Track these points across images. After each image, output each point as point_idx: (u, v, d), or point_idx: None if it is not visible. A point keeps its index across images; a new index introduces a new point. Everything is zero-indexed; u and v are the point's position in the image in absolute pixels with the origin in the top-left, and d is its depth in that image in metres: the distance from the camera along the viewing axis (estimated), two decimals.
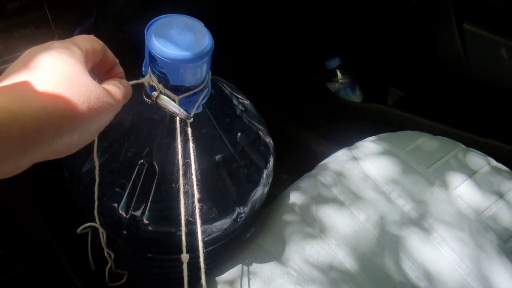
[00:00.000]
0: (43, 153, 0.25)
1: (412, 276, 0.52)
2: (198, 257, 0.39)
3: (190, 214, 0.43)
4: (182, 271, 0.40)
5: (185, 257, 0.35)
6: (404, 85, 0.97)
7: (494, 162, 0.64)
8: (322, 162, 0.65)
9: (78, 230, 0.46)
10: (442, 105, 0.88)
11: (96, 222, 0.45)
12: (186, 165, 0.41)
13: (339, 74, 1.02)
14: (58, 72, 0.26)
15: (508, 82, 0.72)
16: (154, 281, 0.60)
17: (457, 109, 0.86)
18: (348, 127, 1.03)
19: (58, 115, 0.25)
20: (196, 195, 0.37)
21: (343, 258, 0.51)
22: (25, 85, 0.25)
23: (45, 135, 0.24)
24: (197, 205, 0.36)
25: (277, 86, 1.15)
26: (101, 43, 0.33)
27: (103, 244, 0.46)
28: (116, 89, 0.31)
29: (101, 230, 0.45)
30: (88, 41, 0.31)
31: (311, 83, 1.08)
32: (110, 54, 0.34)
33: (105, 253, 0.47)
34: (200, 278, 0.42)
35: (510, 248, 0.57)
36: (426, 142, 0.67)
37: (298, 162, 1.02)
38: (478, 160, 0.64)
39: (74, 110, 0.26)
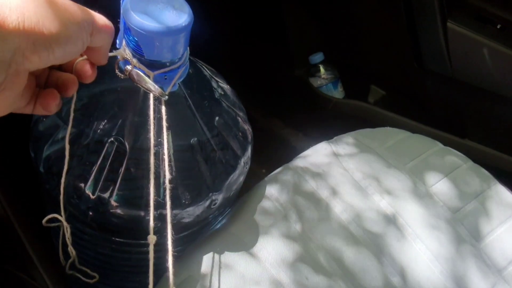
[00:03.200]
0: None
1: (385, 271, 0.51)
2: (167, 244, 0.38)
3: (161, 197, 0.41)
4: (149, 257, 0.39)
5: (151, 238, 0.33)
6: (385, 84, 0.97)
7: (470, 162, 0.65)
8: (301, 154, 0.64)
9: (43, 221, 0.43)
10: (422, 105, 0.88)
11: (61, 215, 0.42)
12: (159, 144, 0.39)
13: (322, 69, 1.02)
14: None
15: (489, 84, 0.73)
16: (121, 272, 0.58)
17: (437, 109, 0.87)
18: (329, 123, 1.02)
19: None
20: (168, 176, 0.35)
21: (317, 250, 0.50)
22: None
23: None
24: (167, 185, 0.34)
25: (260, 79, 1.14)
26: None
27: (67, 240, 0.44)
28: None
29: (65, 224, 0.43)
30: None
31: (293, 77, 1.07)
32: None
33: (69, 249, 0.44)
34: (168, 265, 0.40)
35: (484, 247, 0.57)
36: (405, 139, 0.66)
37: (277, 156, 1.01)
38: (455, 159, 0.64)
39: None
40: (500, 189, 0.62)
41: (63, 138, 0.41)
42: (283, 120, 1.10)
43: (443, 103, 0.85)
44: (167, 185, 0.34)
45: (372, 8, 0.85)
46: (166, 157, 0.36)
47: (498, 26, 0.70)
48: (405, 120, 0.89)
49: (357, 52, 0.96)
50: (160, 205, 0.41)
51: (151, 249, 0.32)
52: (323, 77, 1.01)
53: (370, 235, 0.53)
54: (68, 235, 0.42)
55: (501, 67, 0.70)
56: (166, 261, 0.36)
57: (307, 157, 0.62)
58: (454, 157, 0.65)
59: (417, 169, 0.61)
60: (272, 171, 0.61)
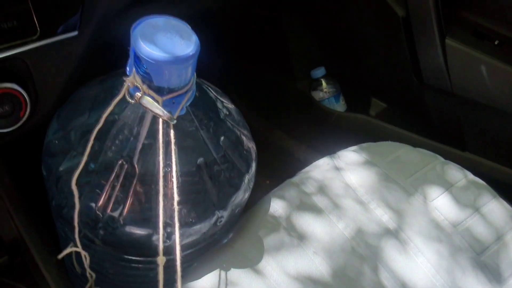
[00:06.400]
0: None
1: (387, 285, 0.52)
2: (175, 260, 0.39)
3: (169, 217, 0.43)
4: (158, 274, 0.40)
5: (161, 260, 0.34)
6: (387, 97, 0.99)
7: (471, 176, 0.66)
8: (304, 170, 0.65)
9: (59, 256, 0.45)
10: (423, 118, 0.90)
11: (78, 246, 0.44)
12: (167, 167, 0.41)
13: (324, 83, 1.03)
14: None
15: (487, 99, 0.74)
16: (130, 284, 0.60)
17: (437, 123, 0.88)
18: (331, 136, 1.04)
19: None
20: (176, 198, 0.37)
21: (320, 265, 0.52)
22: None
23: None
24: (176, 208, 0.36)
25: (263, 93, 1.15)
26: None
27: (86, 265, 0.46)
28: None
29: (83, 253, 0.45)
30: None
31: (296, 91, 1.09)
32: None
33: (87, 274, 0.46)
34: (175, 281, 0.41)
35: (484, 260, 0.58)
36: (406, 153, 0.68)
37: (281, 168, 1.02)
38: (455, 173, 0.65)
39: None
40: (499, 202, 0.63)
41: (74, 160, 0.43)
42: (287, 133, 1.12)
43: (443, 117, 0.86)
44: (176, 208, 0.36)
45: (372, 25, 0.87)
46: (174, 179, 0.38)
47: (496, 42, 0.72)
48: (406, 133, 0.90)
49: (357, 66, 0.98)
50: (168, 224, 0.42)
51: (160, 270, 0.34)
52: (325, 91, 1.03)
53: (372, 249, 0.54)
54: (87, 262, 0.43)
55: (499, 82, 0.71)
56: (174, 277, 0.37)
57: (309, 173, 0.64)
58: (455, 171, 0.66)
59: (418, 183, 0.62)
60: (276, 183, 0.63)
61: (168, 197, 0.43)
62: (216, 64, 1.06)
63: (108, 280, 0.55)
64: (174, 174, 0.37)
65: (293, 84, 1.09)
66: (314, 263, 0.52)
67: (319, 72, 1.03)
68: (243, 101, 1.12)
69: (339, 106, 1.04)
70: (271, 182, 1.07)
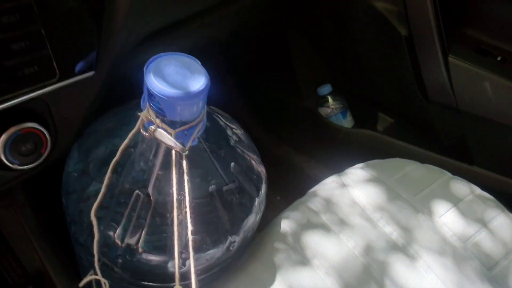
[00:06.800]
0: None
1: None
2: (190, 285, 0.41)
3: (184, 245, 0.44)
4: None
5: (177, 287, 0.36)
6: (393, 113, 1.00)
7: (478, 190, 0.67)
8: (312, 189, 0.66)
9: (80, 284, 0.47)
10: (430, 133, 0.91)
11: (98, 274, 0.46)
12: (181, 196, 0.42)
13: (330, 100, 1.05)
14: None
15: (493, 114, 0.75)
16: None
17: (444, 137, 0.89)
18: (339, 152, 1.05)
19: None
20: (190, 228, 0.38)
21: (332, 285, 0.53)
22: None
23: None
24: (190, 237, 0.38)
25: (271, 110, 1.17)
26: None
27: None
28: None
29: (103, 281, 0.46)
30: None
31: (303, 108, 1.11)
32: None
33: None
34: None
35: (495, 275, 0.58)
36: (414, 170, 0.69)
37: (291, 184, 1.04)
38: (463, 188, 0.66)
39: None
40: (508, 216, 0.64)
41: (93, 191, 0.45)
42: (296, 149, 1.13)
43: (450, 132, 0.87)
44: (190, 237, 0.38)
45: (375, 43, 0.88)
46: (188, 209, 0.39)
47: (499, 58, 0.73)
48: (413, 148, 0.91)
49: (363, 83, 1.00)
50: (183, 251, 0.44)
51: None
52: (331, 107, 1.05)
53: (382, 266, 0.55)
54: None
55: (503, 97, 0.72)
56: None
57: (318, 191, 0.65)
58: (462, 186, 0.67)
59: (426, 200, 0.63)
60: (286, 198, 0.64)
61: (182, 225, 0.44)
62: (225, 84, 1.09)
63: None
64: (187, 204, 0.39)
65: (300, 101, 1.11)
66: (326, 283, 0.53)
67: (325, 89, 1.05)
68: (252, 118, 1.14)
69: (347, 122, 1.06)
70: (281, 198, 1.09)
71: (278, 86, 1.13)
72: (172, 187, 0.40)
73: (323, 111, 1.06)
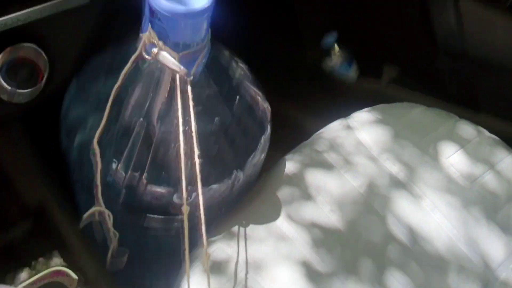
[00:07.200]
0: None
1: (402, 239, 0.53)
2: (195, 218, 0.40)
3: (189, 175, 0.44)
4: (177, 241, 0.41)
5: (185, 209, 0.35)
6: (400, 62, 0.98)
7: (486, 133, 0.66)
8: (318, 132, 0.65)
9: (85, 215, 0.46)
10: (437, 81, 0.89)
11: (101, 205, 0.45)
12: (186, 123, 0.41)
13: (336, 48, 1.02)
14: None
15: (501, 60, 0.73)
16: (150, 257, 0.60)
17: (451, 85, 0.87)
18: (345, 104, 1.03)
19: None
20: (196, 152, 0.37)
21: (336, 221, 0.52)
22: None
23: None
24: (197, 160, 0.37)
25: (272, 64, 1.15)
26: None
27: (109, 225, 0.46)
28: None
29: (107, 212, 0.45)
30: None
31: (306, 60, 1.08)
32: None
33: (111, 234, 0.47)
34: (195, 243, 0.43)
35: (501, 216, 0.58)
36: (421, 113, 0.67)
37: (294, 139, 1.02)
38: (471, 130, 0.65)
39: None
40: None
41: (94, 123, 0.44)
42: (298, 103, 1.11)
43: (457, 79, 0.85)
44: (196, 160, 0.37)
45: None
46: (194, 134, 0.38)
47: (508, 4, 0.71)
48: (419, 96, 0.89)
49: (370, 31, 0.97)
50: (189, 182, 0.43)
51: (185, 218, 0.34)
52: (337, 57, 1.02)
53: (385, 203, 0.55)
54: (110, 221, 0.44)
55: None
56: (194, 239, 0.38)
57: (323, 134, 0.64)
58: (470, 129, 0.66)
59: (433, 141, 0.62)
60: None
61: (188, 156, 0.43)
62: (224, 34, 1.05)
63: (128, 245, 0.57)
64: (193, 128, 0.38)
65: (303, 52, 1.08)
66: (329, 218, 0.52)
67: (331, 36, 1.02)
68: (252, 72, 1.11)
69: (352, 73, 1.04)
70: (284, 154, 1.07)
71: (279, 37, 1.09)
72: (177, 114, 0.39)
73: (329, 60, 1.04)
